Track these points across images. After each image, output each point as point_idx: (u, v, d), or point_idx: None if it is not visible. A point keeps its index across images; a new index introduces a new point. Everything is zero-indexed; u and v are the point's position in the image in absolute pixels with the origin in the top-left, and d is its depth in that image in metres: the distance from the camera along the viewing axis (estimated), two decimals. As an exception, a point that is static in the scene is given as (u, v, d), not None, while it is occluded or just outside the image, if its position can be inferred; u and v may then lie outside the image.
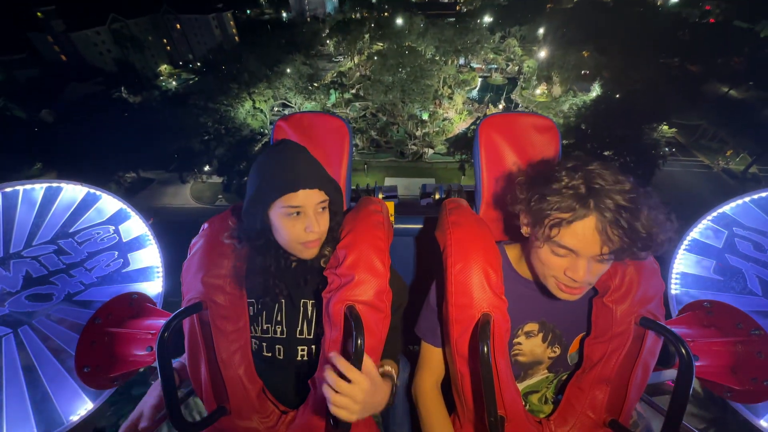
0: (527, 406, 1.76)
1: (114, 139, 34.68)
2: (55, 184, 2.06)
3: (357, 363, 1.32)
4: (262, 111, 46.00)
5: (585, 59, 53.52)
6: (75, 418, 1.97)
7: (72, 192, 2.12)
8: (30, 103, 49.48)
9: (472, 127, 46.29)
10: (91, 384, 1.90)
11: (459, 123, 48.93)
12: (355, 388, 1.28)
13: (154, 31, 75.34)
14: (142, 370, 2.03)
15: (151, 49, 73.82)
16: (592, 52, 54.10)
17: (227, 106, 43.04)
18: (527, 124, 1.98)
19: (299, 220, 1.55)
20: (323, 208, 1.60)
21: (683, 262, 2.25)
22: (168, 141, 36.64)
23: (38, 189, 2.00)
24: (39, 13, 61.90)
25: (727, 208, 2.16)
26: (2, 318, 1.86)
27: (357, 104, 49.48)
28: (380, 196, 2.47)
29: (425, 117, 46.78)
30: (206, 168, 39.28)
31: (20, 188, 1.94)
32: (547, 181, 1.44)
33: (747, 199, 2.11)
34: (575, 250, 1.37)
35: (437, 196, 2.50)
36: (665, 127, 41.42)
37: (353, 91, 53.67)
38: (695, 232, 2.23)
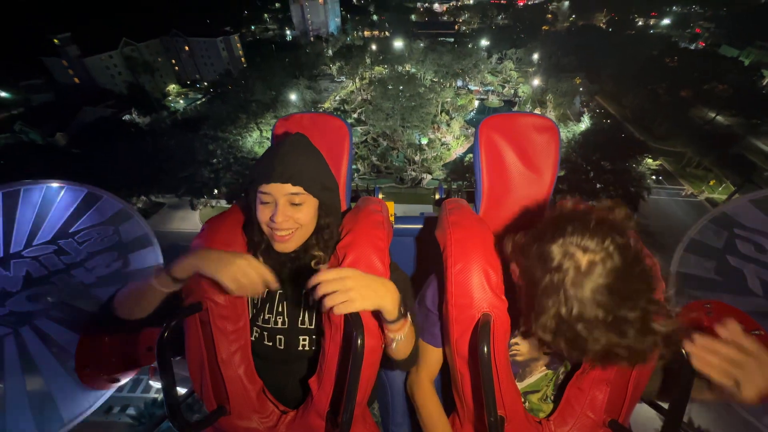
0: (527, 405, 1.72)
1: (125, 164, 34.64)
2: (55, 185, 2.04)
3: (357, 363, 1.32)
4: (269, 139, 46.05)
5: (577, 86, 54.19)
6: (75, 418, 1.92)
7: (72, 192, 2.10)
8: (45, 126, 49.87)
9: (469, 155, 46.51)
10: (91, 384, 1.88)
11: (456, 148, 49.54)
12: (342, 280, 1.29)
13: (163, 53, 76.40)
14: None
15: (160, 69, 74.66)
16: (583, 80, 54.79)
17: (236, 135, 43.63)
18: (527, 124, 1.95)
19: (268, 208, 1.52)
20: (296, 204, 1.53)
21: (683, 262, 2.21)
22: (178, 167, 36.56)
23: (39, 189, 1.97)
24: (55, 40, 62.67)
25: (727, 208, 2.12)
26: (2, 318, 1.83)
27: (359, 129, 50.12)
28: (380, 196, 2.43)
29: (424, 141, 47.42)
30: (215, 192, 39.38)
31: (21, 188, 1.91)
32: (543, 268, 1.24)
33: (747, 199, 2.08)
34: None
35: (437, 196, 2.48)
36: (650, 160, 41.91)
37: (355, 115, 54.34)
38: (695, 232, 2.19)
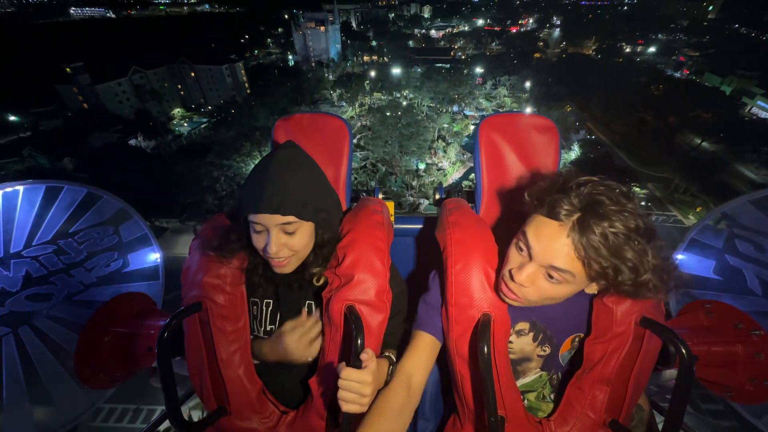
0: (526, 404, 1.67)
1: (131, 188, 34.50)
2: (55, 184, 2.02)
3: (357, 362, 1.28)
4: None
5: (567, 114, 54.89)
6: (75, 418, 1.91)
7: (72, 192, 2.09)
8: (54, 152, 49.90)
9: (464, 182, 46.94)
10: (91, 384, 1.83)
11: (452, 173, 49.75)
12: (363, 386, 1.26)
13: (169, 79, 76.65)
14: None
15: (166, 94, 74.88)
16: (573, 108, 55.49)
17: (240, 162, 44.02)
18: (527, 124, 1.94)
19: (262, 237, 1.48)
20: (289, 232, 1.48)
21: (683, 262, 2.21)
22: (183, 193, 36.85)
23: (39, 189, 1.97)
24: (68, 69, 63.03)
25: (727, 208, 2.12)
26: (2, 318, 1.82)
27: (358, 154, 50.32)
28: (380, 196, 2.40)
29: (422, 167, 47.74)
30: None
31: (20, 188, 1.91)
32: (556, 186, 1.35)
33: (747, 199, 2.08)
34: (531, 247, 1.31)
35: (437, 196, 2.45)
36: (637, 189, 42.42)
37: (354, 141, 54.44)
38: (695, 232, 2.19)
